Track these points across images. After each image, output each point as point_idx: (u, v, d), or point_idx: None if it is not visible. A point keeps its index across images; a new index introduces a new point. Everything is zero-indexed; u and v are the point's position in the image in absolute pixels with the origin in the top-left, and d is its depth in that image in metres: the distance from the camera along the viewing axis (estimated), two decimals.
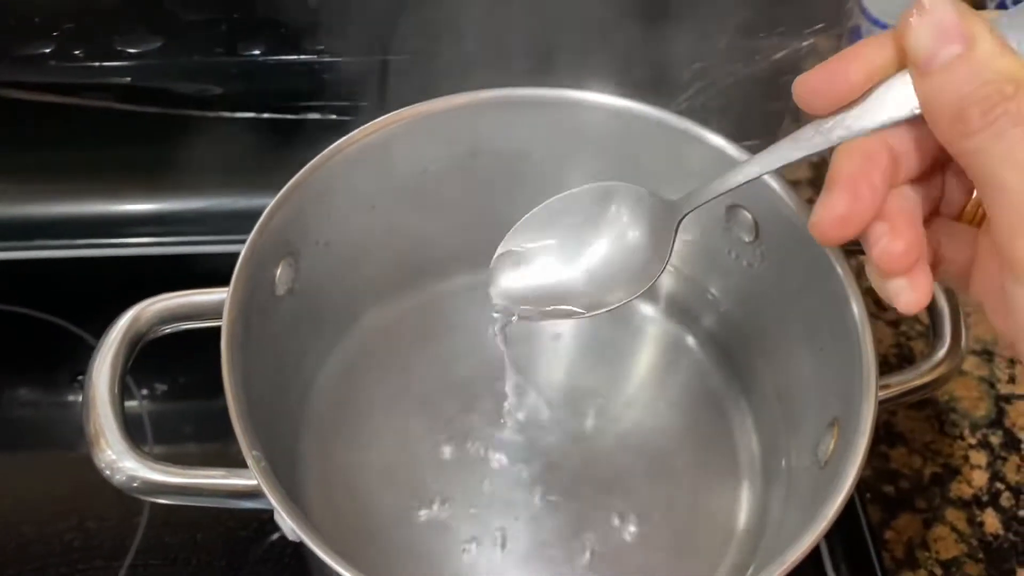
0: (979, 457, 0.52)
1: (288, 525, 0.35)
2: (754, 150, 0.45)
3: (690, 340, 0.51)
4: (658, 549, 0.46)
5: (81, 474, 0.50)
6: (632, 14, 0.52)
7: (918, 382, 0.40)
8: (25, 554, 0.48)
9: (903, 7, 0.58)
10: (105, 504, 0.50)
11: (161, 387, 0.55)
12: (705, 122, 0.46)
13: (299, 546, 0.48)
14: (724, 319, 0.50)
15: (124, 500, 0.49)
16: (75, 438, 0.52)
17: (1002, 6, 0.67)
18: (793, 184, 0.63)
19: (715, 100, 0.57)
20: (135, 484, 0.37)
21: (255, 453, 0.35)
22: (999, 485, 0.51)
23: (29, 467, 0.53)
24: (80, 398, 0.54)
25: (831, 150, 0.32)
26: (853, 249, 0.44)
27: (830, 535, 0.51)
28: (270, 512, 0.38)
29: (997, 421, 0.54)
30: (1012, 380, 0.55)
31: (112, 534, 0.49)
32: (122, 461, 0.37)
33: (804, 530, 0.34)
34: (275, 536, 0.50)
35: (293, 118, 0.55)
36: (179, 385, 0.56)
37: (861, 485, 0.51)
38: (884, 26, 0.67)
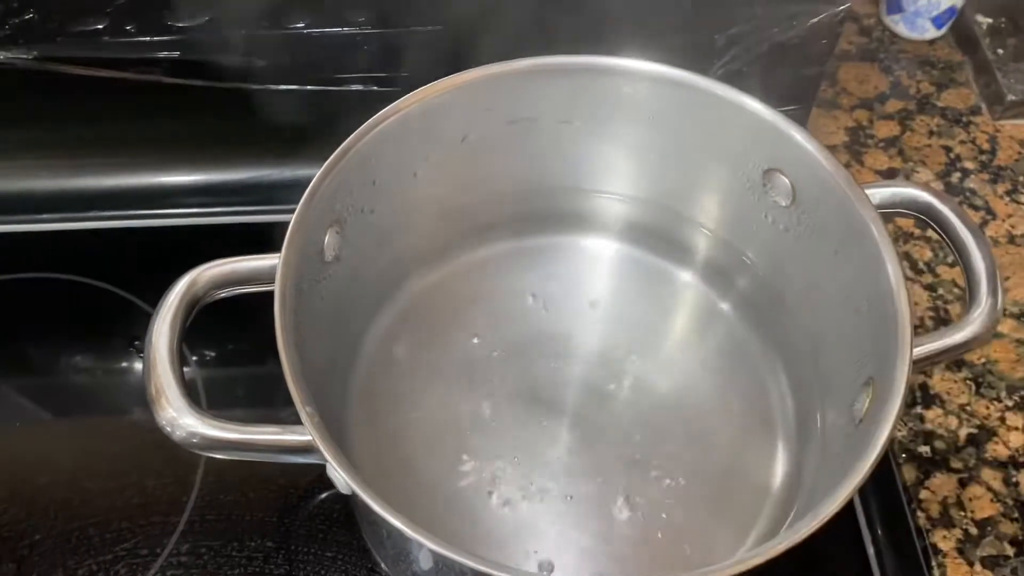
0: (1016, 419, 0.53)
1: (341, 477, 0.37)
2: (790, 116, 0.46)
3: (726, 303, 0.52)
4: (694, 505, 0.47)
5: (138, 436, 0.53)
6: None
7: (953, 341, 0.41)
8: (88, 509, 0.50)
9: None
10: (162, 464, 0.52)
11: (212, 354, 0.57)
12: (740, 88, 0.46)
13: (347, 503, 0.50)
14: (760, 282, 0.50)
15: (180, 460, 0.52)
16: (131, 402, 0.55)
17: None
18: (830, 149, 0.64)
19: (751, 66, 0.57)
20: (194, 440, 0.38)
21: (308, 409, 0.37)
22: None
23: (88, 430, 0.55)
24: (135, 364, 0.57)
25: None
26: (889, 212, 0.45)
27: (865, 495, 0.52)
28: (319, 473, 0.39)
29: None
30: None
31: (169, 492, 0.51)
32: (182, 418, 0.38)
33: (838, 485, 0.35)
34: (324, 495, 0.51)
35: (336, 89, 0.56)
36: (230, 352, 0.57)
37: (896, 446, 0.51)
38: None
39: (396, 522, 0.34)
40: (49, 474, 0.52)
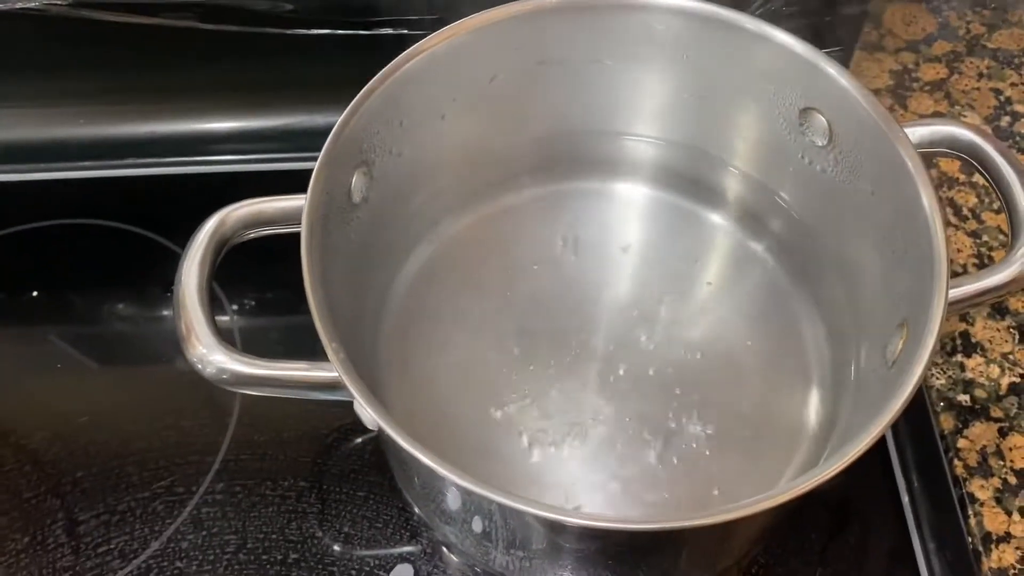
0: None
1: (368, 414, 0.37)
2: (834, 57, 0.44)
3: (760, 246, 0.51)
4: (728, 449, 0.47)
5: (174, 380, 0.54)
6: None
7: (992, 283, 0.40)
8: (127, 449, 0.52)
9: None
10: (198, 406, 0.53)
11: (250, 303, 0.58)
12: (783, 27, 0.45)
13: (378, 446, 0.51)
14: (795, 225, 0.49)
15: (215, 401, 0.53)
16: (168, 348, 0.56)
17: None
18: (874, 92, 0.62)
19: (791, 6, 0.55)
20: (224, 376, 0.39)
21: (334, 345, 0.37)
22: None
23: (127, 374, 0.57)
24: (171, 311, 0.57)
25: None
26: (930, 152, 0.43)
27: (901, 443, 0.52)
28: (351, 417, 0.39)
29: None
30: None
31: (205, 432, 0.52)
32: (212, 355, 0.39)
33: (869, 423, 0.35)
34: (357, 439, 0.52)
35: (367, 33, 0.56)
36: (267, 300, 0.58)
37: (935, 394, 0.50)
38: None
39: (422, 456, 0.35)
40: (90, 415, 0.53)
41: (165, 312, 0.58)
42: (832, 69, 0.42)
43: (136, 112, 0.62)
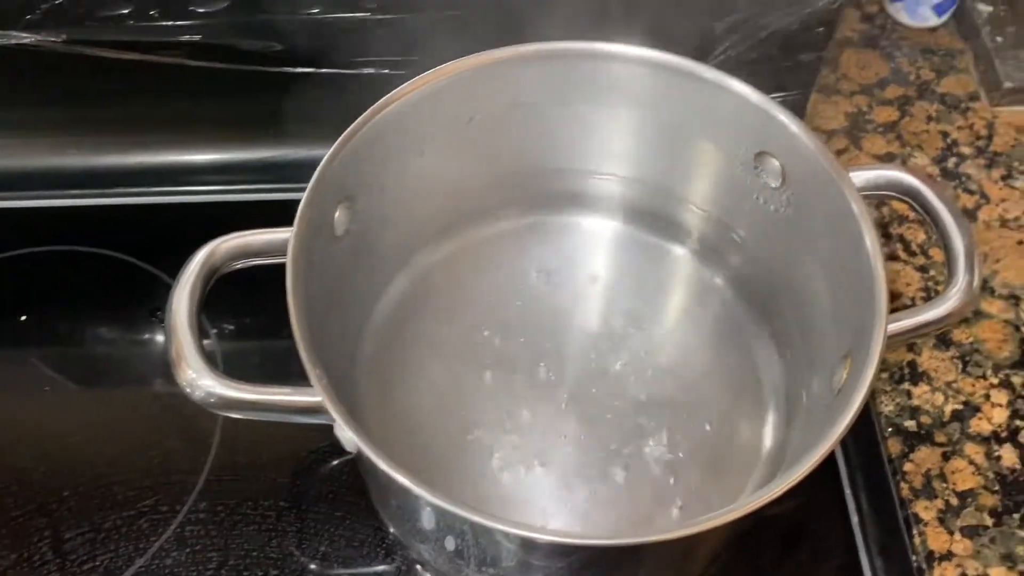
0: (1000, 396, 0.55)
1: (347, 436, 0.39)
2: (790, 102, 0.47)
3: (718, 279, 0.55)
4: (688, 471, 0.50)
5: (159, 403, 0.56)
6: None
7: (929, 317, 0.43)
8: (113, 469, 0.53)
9: None
10: (181, 427, 0.55)
11: (231, 327, 0.60)
12: (740, 74, 0.48)
13: (356, 468, 0.53)
14: (750, 259, 0.53)
15: (198, 424, 0.55)
16: (153, 371, 0.58)
17: None
18: (828, 134, 0.66)
19: (750, 53, 0.58)
20: (212, 400, 0.41)
21: (317, 371, 0.39)
22: (1019, 422, 0.54)
23: (113, 397, 0.58)
24: (156, 335, 0.59)
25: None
26: (875, 194, 0.47)
27: (852, 466, 0.54)
28: (329, 440, 0.41)
29: (1020, 363, 0.56)
30: None
31: (188, 453, 0.54)
32: (201, 379, 0.41)
33: (811, 448, 0.37)
34: (335, 462, 0.54)
35: (349, 72, 0.58)
36: (247, 325, 0.60)
37: (883, 420, 0.53)
38: None
39: (397, 476, 0.37)
40: (76, 436, 0.55)
41: (149, 336, 0.60)
42: (784, 117, 0.46)
43: (125, 143, 0.64)
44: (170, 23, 0.54)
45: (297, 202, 0.44)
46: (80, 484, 0.53)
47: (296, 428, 0.52)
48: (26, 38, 0.56)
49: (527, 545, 0.40)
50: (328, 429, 0.42)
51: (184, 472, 0.53)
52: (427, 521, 0.45)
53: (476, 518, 0.37)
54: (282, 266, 0.43)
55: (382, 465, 0.37)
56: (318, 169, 0.45)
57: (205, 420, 0.55)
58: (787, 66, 0.60)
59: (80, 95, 0.61)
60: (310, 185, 0.44)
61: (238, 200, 0.64)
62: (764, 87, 0.47)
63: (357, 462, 0.51)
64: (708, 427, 0.51)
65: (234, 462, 0.54)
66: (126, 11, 0.53)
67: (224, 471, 0.54)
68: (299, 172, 0.47)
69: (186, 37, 0.56)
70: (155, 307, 0.60)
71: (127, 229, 0.63)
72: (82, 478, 0.53)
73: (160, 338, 0.59)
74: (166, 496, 0.52)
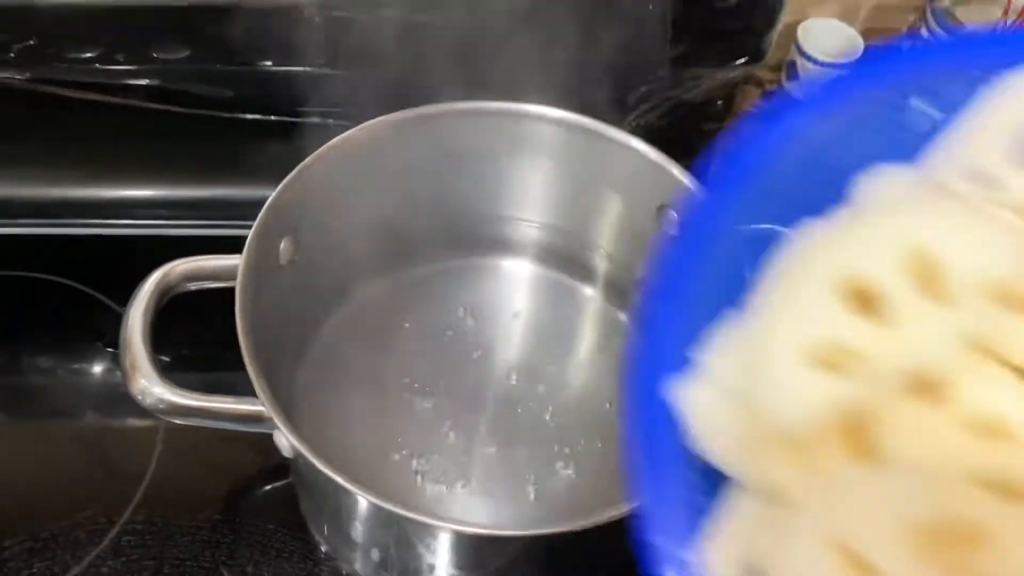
0: None
1: (286, 441, 0.44)
2: (695, 166, 0.54)
3: (624, 316, 0.61)
4: (591, 491, 0.55)
5: (104, 418, 0.59)
6: (590, 50, 0.61)
7: None
8: (54, 482, 0.56)
9: (837, 44, 0.68)
10: (123, 442, 0.59)
11: (185, 352, 0.63)
12: (648, 139, 0.55)
13: (290, 486, 0.56)
14: None
15: (139, 442, 0.58)
16: (98, 389, 0.61)
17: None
18: None
19: (659, 120, 0.66)
20: (161, 406, 0.45)
21: (261, 380, 0.43)
22: None
23: (57, 413, 0.61)
24: (100, 366, 0.62)
25: None
26: None
27: None
28: (264, 459, 0.44)
29: None
30: None
31: (129, 467, 0.57)
32: (152, 387, 0.45)
33: None
34: (270, 484, 0.57)
35: (296, 120, 0.63)
36: (194, 353, 0.63)
37: None
38: (818, 62, 0.77)
39: (329, 471, 0.41)
40: (16, 451, 0.58)
41: (94, 357, 0.63)
42: (677, 172, 0.52)
43: (79, 176, 0.67)
44: (133, 67, 0.59)
45: (242, 238, 0.49)
46: (17, 496, 0.55)
47: (235, 445, 0.57)
48: None
49: (446, 553, 0.45)
50: (266, 449, 0.46)
51: (124, 484, 0.56)
52: (355, 531, 0.50)
53: (405, 512, 0.41)
54: (230, 293, 0.47)
55: (316, 463, 0.42)
56: (268, 202, 0.50)
57: (146, 435, 0.58)
58: (691, 134, 0.68)
59: (37, 130, 0.65)
60: (259, 216, 0.49)
61: (183, 235, 0.68)
62: (674, 151, 0.54)
63: (292, 472, 0.55)
64: (611, 452, 0.56)
65: (174, 475, 0.57)
66: (94, 54, 0.57)
67: (164, 485, 0.56)
68: (243, 210, 0.51)
69: (145, 81, 0.60)
70: (100, 331, 0.63)
71: (76, 257, 0.66)
72: (20, 491, 0.56)
73: (101, 360, 0.62)
74: (104, 508, 0.55)
